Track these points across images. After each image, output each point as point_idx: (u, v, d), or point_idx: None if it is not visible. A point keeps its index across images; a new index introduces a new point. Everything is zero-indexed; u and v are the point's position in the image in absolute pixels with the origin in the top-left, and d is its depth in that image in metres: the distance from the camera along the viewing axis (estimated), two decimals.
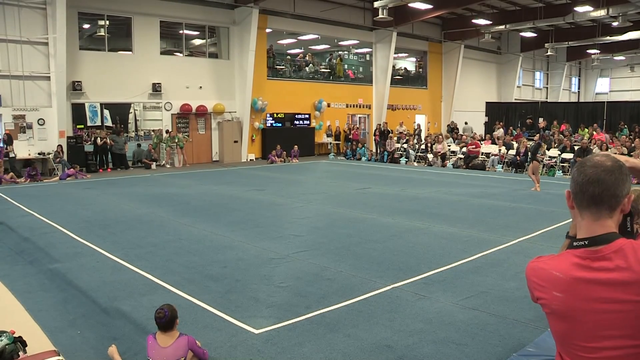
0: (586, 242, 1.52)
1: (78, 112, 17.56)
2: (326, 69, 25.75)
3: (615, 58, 36.94)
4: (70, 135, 16.95)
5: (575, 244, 1.56)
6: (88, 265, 6.30)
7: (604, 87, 42.62)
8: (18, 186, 13.91)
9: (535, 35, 29.98)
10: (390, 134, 21.94)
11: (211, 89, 20.53)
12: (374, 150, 22.65)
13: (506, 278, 5.77)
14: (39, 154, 16.24)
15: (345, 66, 26.74)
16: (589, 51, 33.83)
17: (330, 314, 4.75)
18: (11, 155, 15.48)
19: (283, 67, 23.93)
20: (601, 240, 1.50)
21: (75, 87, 16.84)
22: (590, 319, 1.49)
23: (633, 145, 16.54)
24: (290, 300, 5.09)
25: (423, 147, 21.43)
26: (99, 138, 17.55)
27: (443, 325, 4.48)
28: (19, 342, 3.78)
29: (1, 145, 15.54)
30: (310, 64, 25.26)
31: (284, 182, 14.31)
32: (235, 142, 20.95)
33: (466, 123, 26.70)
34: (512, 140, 19.74)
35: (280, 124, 22.39)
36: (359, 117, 26.76)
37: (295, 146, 21.47)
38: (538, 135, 18.92)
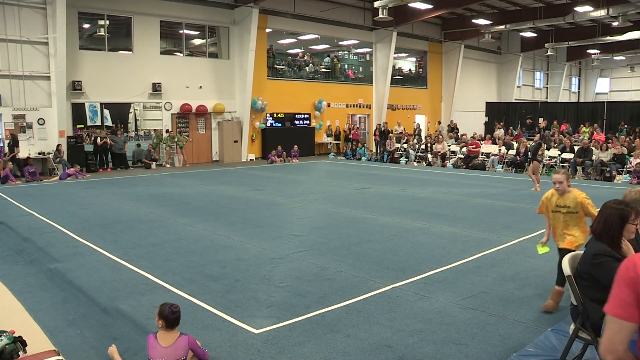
0: None
1: (78, 112, 17.56)
2: (326, 69, 25.75)
3: (615, 58, 36.95)
4: (70, 135, 16.95)
5: None
6: (88, 265, 6.29)
7: (604, 87, 42.63)
8: (18, 186, 13.91)
9: (535, 35, 29.98)
10: (390, 134, 21.96)
11: (211, 89, 20.54)
12: (374, 150, 22.66)
13: (506, 278, 5.77)
14: (39, 153, 16.24)
15: (346, 66, 26.76)
16: (589, 51, 33.84)
17: (330, 313, 4.75)
18: (18, 156, 15.35)
19: (283, 67, 23.93)
20: None
21: (75, 86, 16.84)
22: None
23: (633, 145, 16.53)
24: (290, 300, 5.09)
25: (423, 147, 21.43)
26: (98, 138, 17.56)
27: (443, 325, 4.49)
28: (19, 342, 3.77)
29: (0, 145, 15.55)
30: (310, 64, 25.27)
31: (284, 182, 14.31)
32: (235, 142, 20.96)
33: (439, 123, 27.27)
34: (512, 140, 19.74)
35: (280, 124, 22.39)
36: (359, 117, 26.77)
37: (295, 146, 21.48)
38: (538, 135, 18.93)
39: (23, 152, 15.97)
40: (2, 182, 14.13)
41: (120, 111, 19.45)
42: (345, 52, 27.44)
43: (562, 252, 4.77)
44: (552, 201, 4.98)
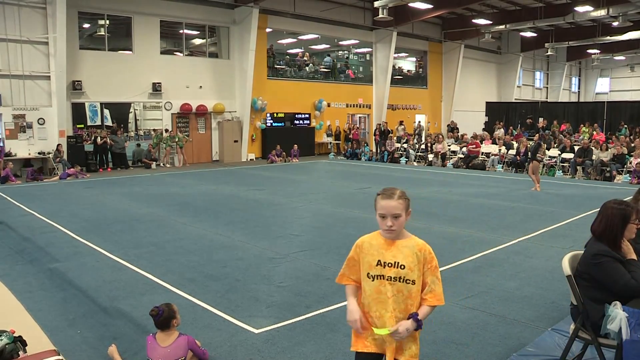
0: None
1: (78, 112, 17.56)
2: (326, 68, 25.76)
3: (615, 58, 36.96)
4: (70, 135, 16.95)
5: None
6: (88, 265, 6.30)
7: (604, 87, 42.64)
8: (18, 186, 13.91)
9: (535, 35, 29.98)
10: (390, 134, 21.95)
11: (211, 89, 20.54)
12: (374, 150, 22.66)
13: (506, 278, 5.77)
14: (39, 153, 16.24)
15: (346, 66, 26.77)
16: (589, 51, 33.85)
17: (330, 313, 4.74)
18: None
19: (283, 66, 23.93)
20: None
21: (75, 86, 16.84)
22: None
23: (633, 145, 16.53)
24: (290, 300, 5.09)
25: (423, 147, 21.44)
26: (99, 137, 17.55)
27: (443, 325, 4.48)
28: (19, 342, 3.77)
29: (1, 145, 15.55)
30: (310, 64, 25.27)
31: (284, 182, 14.31)
32: (235, 141, 20.96)
33: (420, 122, 27.42)
34: (512, 140, 19.74)
35: (280, 124, 22.39)
36: (359, 117, 26.77)
37: (295, 146, 21.48)
38: (538, 135, 18.93)
39: (23, 152, 16.00)
40: (2, 182, 14.13)
41: (120, 111, 19.45)
42: (346, 51, 27.44)
43: None
44: (371, 255, 2.52)
